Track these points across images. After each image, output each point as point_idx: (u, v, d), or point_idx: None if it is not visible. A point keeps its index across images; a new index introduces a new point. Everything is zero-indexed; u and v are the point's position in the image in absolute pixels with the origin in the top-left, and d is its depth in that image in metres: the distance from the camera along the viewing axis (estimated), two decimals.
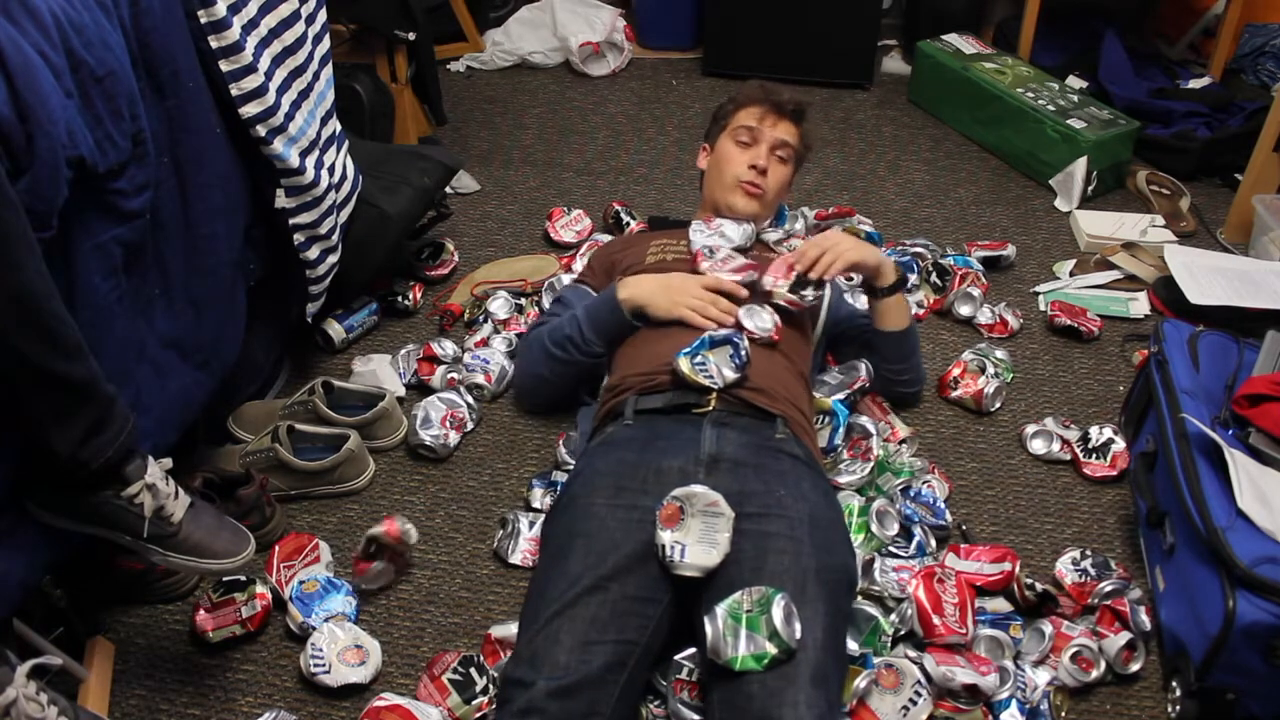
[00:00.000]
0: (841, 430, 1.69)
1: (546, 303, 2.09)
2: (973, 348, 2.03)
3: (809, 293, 1.65)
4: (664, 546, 1.31)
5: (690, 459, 1.44)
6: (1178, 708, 1.38)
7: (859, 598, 1.45)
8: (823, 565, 1.33)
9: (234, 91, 1.47)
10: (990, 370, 1.95)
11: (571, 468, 1.71)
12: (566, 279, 2.08)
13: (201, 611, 1.46)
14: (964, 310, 2.13)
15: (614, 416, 1.58)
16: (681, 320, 1.62)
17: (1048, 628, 1.46)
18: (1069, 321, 2.10)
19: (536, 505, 1.69)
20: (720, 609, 1.24)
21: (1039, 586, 1.51)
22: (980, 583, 1.51)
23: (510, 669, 1.24)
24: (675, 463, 1.43)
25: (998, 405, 1.92)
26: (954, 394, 1.91)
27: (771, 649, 1.19)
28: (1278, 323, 1.72)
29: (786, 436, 1.51)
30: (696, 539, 1.31)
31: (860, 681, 1.32)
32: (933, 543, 1.60)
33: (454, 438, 1.80)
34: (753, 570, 1.30)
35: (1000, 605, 1.51)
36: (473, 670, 1.39)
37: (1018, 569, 1.51)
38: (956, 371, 1.92)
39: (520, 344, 1.82)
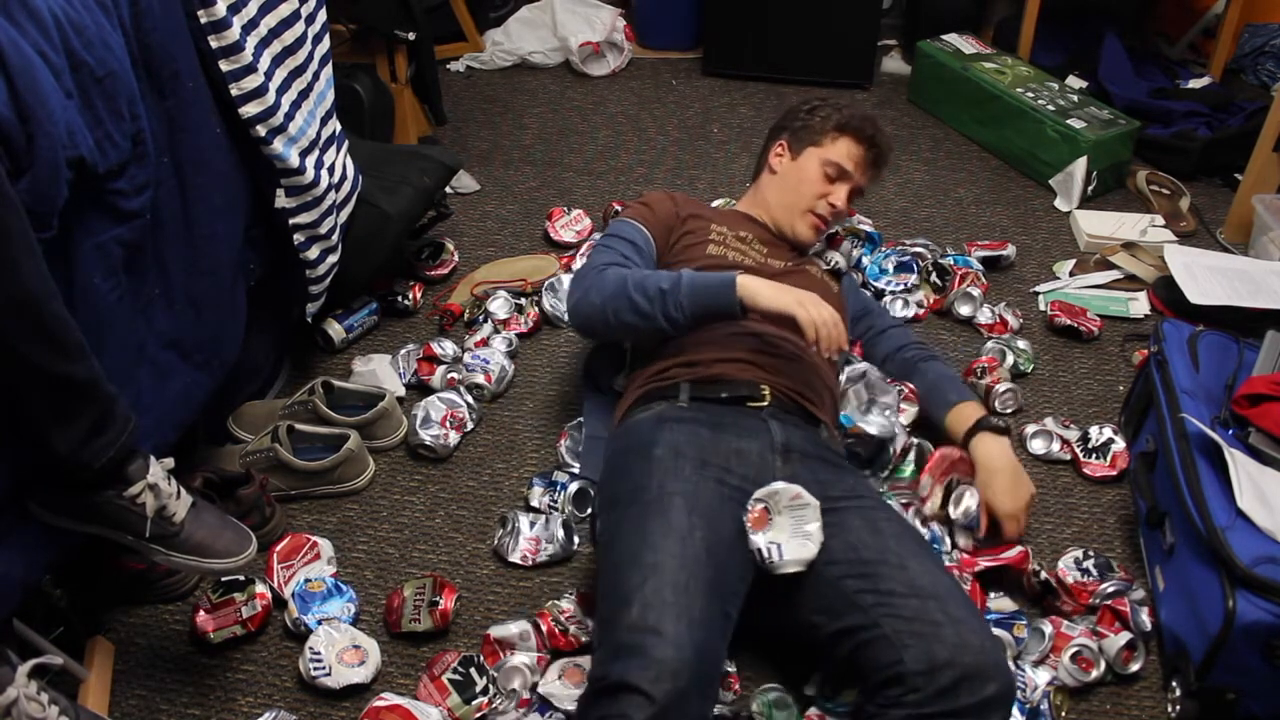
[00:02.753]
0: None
1: (547, 303, 2.09)
2: (996, 339, 2.05)
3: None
4: (760, 550, 1.31)
5: (766, 445, 1.46)
6: (1178, 708, 1.38)
7: None
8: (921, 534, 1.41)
9: (234, 91, 1.47)
10: (1010, 360, 1.97)
11: (576, 468, 1.72)
12: (566, 280, 2.08)
13: (202, 612, 1.46)
14: (964, 310, 2.13)
15: (662, 397, 1.55)
16: (789, 314, 1.47)
17: (1048, 628, 1.46)
18: (1069, 321, 2.10)
19: (536, 505, 1.69)
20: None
21: (1043, 574, 1.52)
22: (1000, 564, 1.54)
23: (632, 615, 1.17)
24: (753, 446, 1.45)
25: (1010, 409, 1.90)
26: (973, 379, 1.93)
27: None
28: (1278, 322, 1.71)
29: (829, 440, 1.57)
30: (790, 535, 1.32)
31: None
32: (945, 543, 1.60)
33: (454, 438, 1.80)
34: (871, 532, 1.34)
35: (1005, 605, 1.51)
36: (473, 670, 1.39)
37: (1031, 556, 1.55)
38: (985, 362, 1.94)
39: (588, 273, 1.62)
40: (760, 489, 1.36)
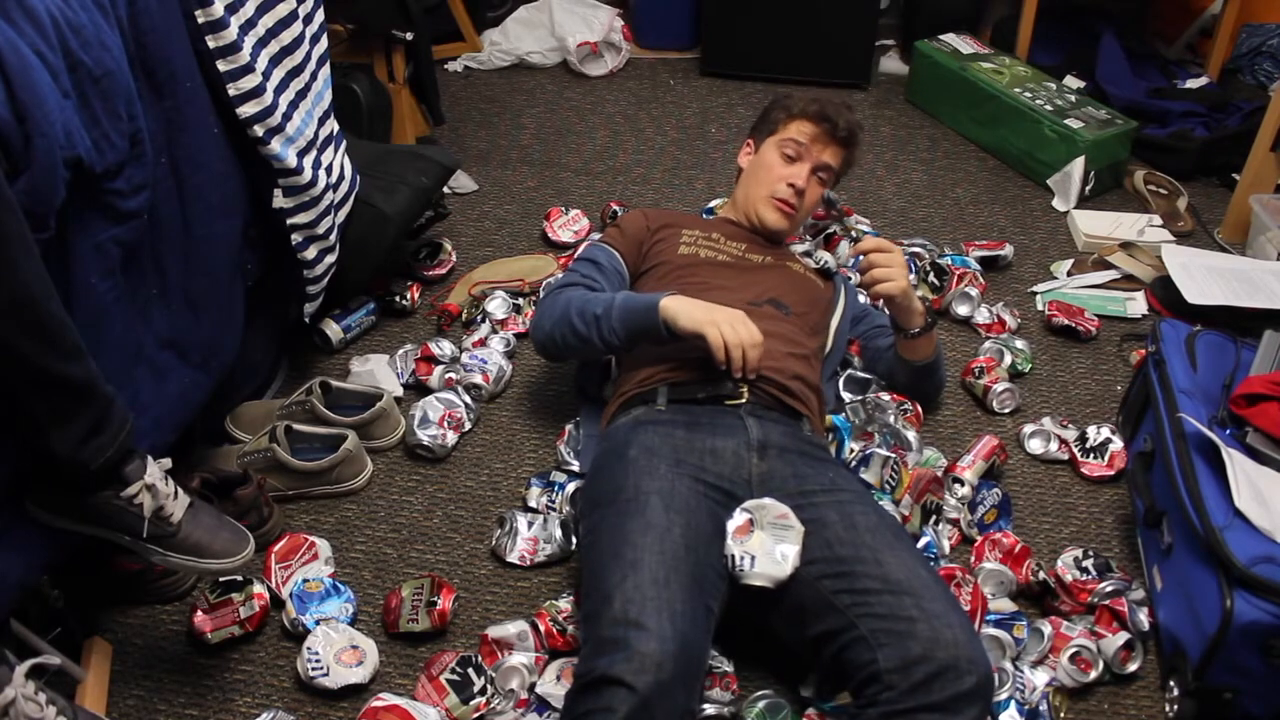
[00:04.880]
0: (848, 444, 1.69)
1: None
2: (994, 338, 2.05)
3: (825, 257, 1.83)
4: (733, 556, 1.32)
5: (741, 442, 1.46)
6: (1176, 707, 1.39)
7: None
8: (899, 524, 1.39)
9: (231, 91, 1.47)
10: (1007, 360, 1.97)
11: (575, 466, 1.72)
12: None
13: (199, 613, 1.46)
14: (962, 310, 2.14)
15: (642, 402, 1.57)
16: (701, 334, 1.49)
17: (1047, 628, 1.46)
18: (1067, 321, 2.10)
19: (534, 505, 1.68)
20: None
21: (1042, 574, 1.53)
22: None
23: (614, 610, 1.18)
24: (729, 444, 1.45)
25: (1008, 409, 1.91)
26: (970, 379, 1.94)
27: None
28: (1275, 322, 1.72)
29: (812, 434, 1.57)
30: (766, 551, 1.32)
31: None
32: (945, 544, 1.61)
33: (452, 438, 1.80)
34: (847, 528, 1.34)
35: (1004, 605, 1.51)
36: (470, 670, 1.39)
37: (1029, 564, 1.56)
38: (983, 362, 1.95)
39: (545, 297, 1.72)
40: (750, 500, 1.37)
